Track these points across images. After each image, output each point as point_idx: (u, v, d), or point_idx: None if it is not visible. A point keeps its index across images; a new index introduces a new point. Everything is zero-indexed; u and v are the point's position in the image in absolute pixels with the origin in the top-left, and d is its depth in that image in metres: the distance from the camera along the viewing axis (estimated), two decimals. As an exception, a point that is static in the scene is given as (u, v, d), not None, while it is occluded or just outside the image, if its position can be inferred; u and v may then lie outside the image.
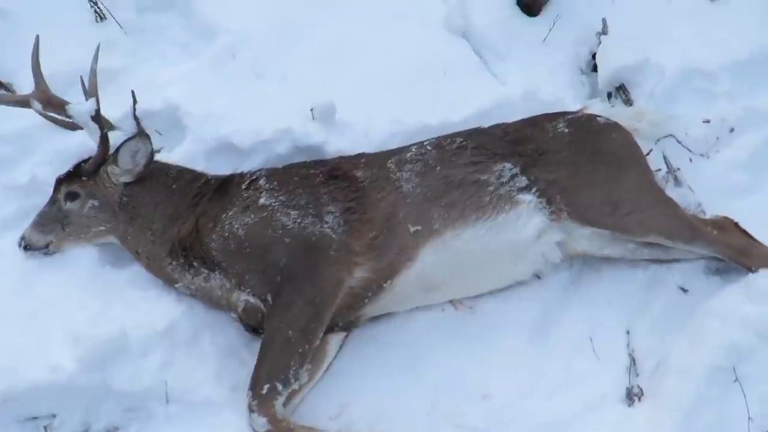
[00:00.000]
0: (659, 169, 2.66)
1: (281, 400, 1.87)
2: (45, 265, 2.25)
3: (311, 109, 2.64)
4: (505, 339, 2.28)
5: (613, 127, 2.41)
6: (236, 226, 2.06)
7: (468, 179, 2.21)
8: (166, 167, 2.33)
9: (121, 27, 3.04)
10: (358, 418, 2.04)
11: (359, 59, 2.99)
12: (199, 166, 2.56)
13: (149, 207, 2.21)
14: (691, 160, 2.77)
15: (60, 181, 2.27)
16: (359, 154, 2.43)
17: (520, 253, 2.25)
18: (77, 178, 2.24)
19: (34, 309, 2.10)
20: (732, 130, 2.84)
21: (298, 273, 1.98)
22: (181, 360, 2.05)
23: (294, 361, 1.88)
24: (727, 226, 2.33)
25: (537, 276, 2.41)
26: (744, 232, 2.35)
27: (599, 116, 2.48)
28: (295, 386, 1.92)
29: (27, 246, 2.23)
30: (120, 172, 2.22)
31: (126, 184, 2.24)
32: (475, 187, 2.20)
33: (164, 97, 2.71)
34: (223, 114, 2.69)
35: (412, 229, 2.12)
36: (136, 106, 2.63)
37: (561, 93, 2.98)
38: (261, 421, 1.83)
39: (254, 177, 2.23)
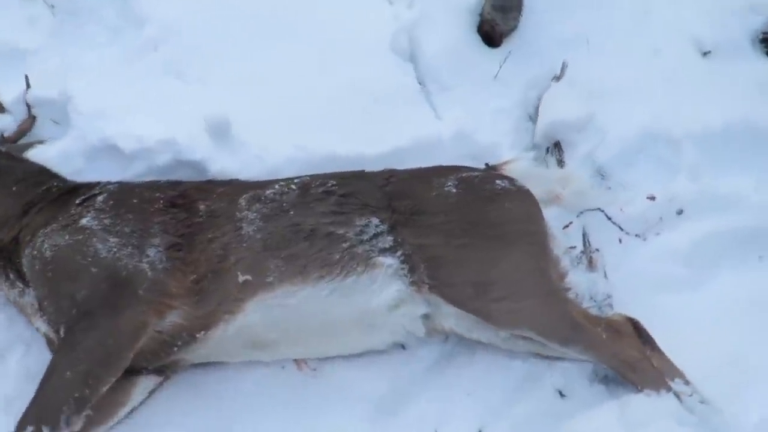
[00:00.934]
0: (573, 247, 2.32)
1: (47, 444, 1.69)
2: None
3: (204, 120, 2.44)
4: (344, 412, 2.03)
5: (513, 194, 2.10)
6: (46, 246, 1.88)
7: (320, 231, 1.96)
8: (14, 166, 2.17)
9: (49, 5, 2.91)
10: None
11: (285, 74, 2.76)
12: (77, 167, 2.43)
13: (-11, 205, 2.07)
14: (620, 241, 2.41)
15: None
16: (223, 182, 2.21)
17: (371, 323, 1.99)
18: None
19: None
20: (680, 212, 2.46)
21: (95, 309, 1.78)
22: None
23: (68, 406, 1.69)
24: (623, 330, 1.98)
25: (402, 346, 2.14)
26: (645, 339, 2.01)
27: (503, 178, 2.17)
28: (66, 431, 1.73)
29: None
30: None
31: (-30, 176, 2.11)
32: (326, 241, 1.95)
33: (62, 86, 2.57)
34: (118, 112, 2.52)
35: (241, 279, 1.89)
36: (29, 91, 2.53)
37: (498, 138, 2.67)
38: (17, 464, 1.67)
39: (96, 192, 2.05)
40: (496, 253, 1.95)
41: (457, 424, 2.00)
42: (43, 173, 2.19)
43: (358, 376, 2.09)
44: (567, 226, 2.35)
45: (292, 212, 1.98)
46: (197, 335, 1.88)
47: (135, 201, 1.99)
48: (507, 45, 2.91)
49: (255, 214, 1.97)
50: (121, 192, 2.04)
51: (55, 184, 2.13)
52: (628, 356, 1.93)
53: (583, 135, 2.52)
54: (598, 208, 2.39)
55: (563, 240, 2.31)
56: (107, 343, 1.76)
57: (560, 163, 2.49)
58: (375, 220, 2.01)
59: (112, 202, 1.98)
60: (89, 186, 2.13)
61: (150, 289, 1.83)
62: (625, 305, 2.20)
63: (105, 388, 1.77)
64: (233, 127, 2.46)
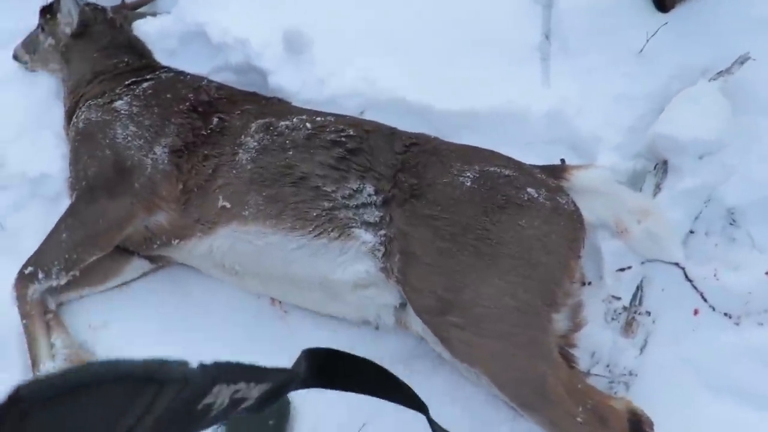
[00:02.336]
0: (618, 298, 1.81)
1: (37, 286, 1.92)
2: None
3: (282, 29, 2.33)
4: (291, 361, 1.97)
5: (540, 211, 1.67)
6: (83, 117, 2.03)
7: (309, 181, 1.80)
8: (105, 33, 2.32)
9: None
10: (116, 336, 2.04)
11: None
12: (170, 47, 2.53)
13: (74, 64, 2.30)
14: (696, 313, 1.81)
15: (41, 11, 2.46)
16: (261, 98, 2.12)
17: (334, 292, 1.84)
18: (47, 15, 2.41)
19: None
20: (809, 306, 1.75)
21: (98, 187, 1.91)
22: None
23: (59, 261, 1.91)
24: (612, 424, 1.55)
25: (375, 326, 1.97)
26: None
27: (546, 187, 1.72)
28: (54, 283, 1.95)
29: (15, 57, 2.55)
30: (62, 22, 2.31)
31: (73, 35, 2.34)
32: (311, 194, 1.79)
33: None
34: (217, 1, 2.53)
35: (220, 203, 1.85)
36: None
37: (605, 132, 2.12)
38: (14, 295, 1.96)
39: (147, 77, 2.12)
40: (478, 273, 1.60)
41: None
42: (128, 47, 2.32)
43: (321, 335, 2.00)
44: (623, 270, 1.83)
45: (291, 152, 1.84)
46: (173, 242, 1.93)
47: (167, 96, 2.03)
48: (677, 12, 2.20)
49: (256, 143, 1.88)
50: (164, 83, 2.09)
51: (128, 60, 2.25)
52: (599, 455, 1.51)
53: (705, 163, 1.85)
54: (677, 264, 1.80)
55: (610, 286, 1.82)
56: (99, 221, 1.90)
57: (656, 190, 1.90)
58: (370, 189, 1.78)
59: (150, 92, 2.04)
60: (152, 69, 2.22)
61: (144, 185, 1.90)
62: (654, 397, 1.70)
63: (92, 259, 1.94)
64: (309, 43, 2.33)
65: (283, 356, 1.93)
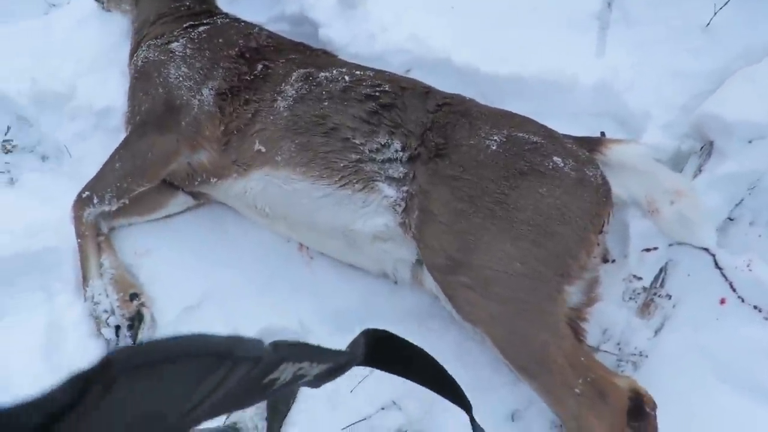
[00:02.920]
0: (639, 278, 1.76)
1: (92, 209, 2.09)
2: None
3: (338, -19, 2.35)
4: (309, 306, 2.06)
5: (563, 180, 1.64)
6: (142, 55, 2.16)
7: (340, 132, 1.85)
8: None
9: None
10: (157, 263, 2.20)
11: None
12: (233, -7, 2.63)
13: (141, 5, 2.42)
14: (723, 302, 1.74)
15: (116, -51, 2.60)
16: (308, 49, 2.16)
17: (354, 242, 1.90)
18: (122, -47, 2.54)
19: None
20: None
21: (149, 122, 2.04)
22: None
23: (111, 188, 2.07)
24: (611, 400, 1.54)
25: (394, 280, 2.02)
26: (639, 427, 1.54)
27: (575, 158, 1.68)
28: (106, 208, 2.11)
29: (92, -6, 2.72)
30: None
31: (141, -23, 2.45)
32: (340, 145, 1.84)
33: None
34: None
35: (256, 147, 1.94)
36: None
37: (655, 108, 2.03)
38: (71, 215, 2.15)
39: (204, 21, 2.21)
40: (489, 237, 1.60)
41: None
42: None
43: (341, 284, 2.08)
44: (648, 250, 1.77)
45: (326, 103, 1.89)
46: (212, 180, 2.05)
47: (219, 41, 2.11)
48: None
49: (294, 91, 1.94)
50: (218, 29, 2.18)
51: (189, 4, 2.35)
52: (591, 429, 1.51)
53: (754, 148, 1.74)
54: (707, 250, 1.72)
55: (633, 266, 1.77)
56: (146, 154, 2.04)
57: (696, 172, 1.80)
58: (397, 144, 1.81)
59: (204, 36, 2.14)
60: (211, 14, 2.31)
61: (190, 124, 2.01)
62: (662, 380, 1.66)
63: (140, 189, 2.10)
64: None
65: (303, 300, 2.07)
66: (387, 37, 2.31)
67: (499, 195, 1.63)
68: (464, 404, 1.07)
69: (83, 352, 2.01)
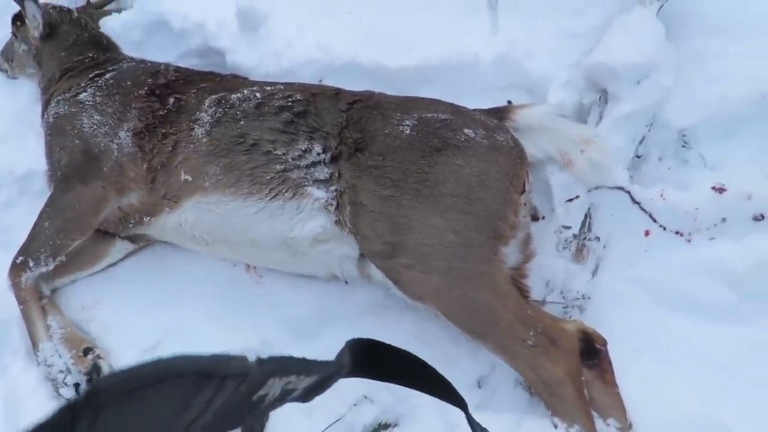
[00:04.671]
0: (568, 227, 1.86)
1: (30, 274, 2.05)
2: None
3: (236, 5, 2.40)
4: (268, 321, 2.08)
5: (477, 149, 1.73)
6: (52, 112, 2.16)
7: (261, 147, 1.89)
8: (70, 32, 2.41)
9: None
10: (107, 313, 2.17)
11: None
12: (136, 39, 2.64)
13: (45, 64, 2.42)
14: (647, 234, 1.86)
15: (13, 19, 2.59)
16: (216, 76, 2.21)
17: (296, 250, 1.94)
18: (17, 23, 2.53)
19: None
20: (760, 218, 1.77)
21: (71, 175, 2.04)
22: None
23: (45, 248, 2.04)
24: (562, 344, 1.62)
25: (344, 280, 2.06)
26: (595, 363, 1.62)
27: (484, 126, 1.78)
28: (43, 269, 2.08)
29: (-5, 67, 2.69)
30: (30, 27, 2.43)
31: (42, 38, 2.45)
32: (263, 159, 1.88)
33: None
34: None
35: (183, 177, 1.96)
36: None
37: (554, 71, 2.15)
38: (8, 283, 2.10)
39: (109, 69, 2.23)
40: (421, 214, 1.67)
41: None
42: (93, 43, 2.43)
43: (294, 294, 2.10)
44: (571, 200, 1.88)
45: (242, 122, 1.93)
46: (145, 219, 2.05)
47: (128, 83, 2.14)
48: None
49: (209, 117, 1.98)
50: (124, 72, 2.20)
51: (93, 55, 2.36)
52: (549, 375, 1.59)
53: (642, 87, 1.87)
54: (622, 189, 1.84)
55: (561, 217, 1.87)
56: (76, 206, 2.03)
57: (598, 120, 1.93)
58: (318, 148, 1.86)
59: (111, 81, 2.15)
60: (116, 61, 2.33)
61: (113, 169, 2.02)
62: (608, 317, 1.76)
63: (75, 243, 2.08)
64: (262, 19, 2.41)
65: (259, 317, 2.09)
66: (293, 52, 2.37)
67: (420, 174, 1.70)
68: (459, 402, 1.06)
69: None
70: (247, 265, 2.18)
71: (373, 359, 0.99)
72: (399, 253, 1.69)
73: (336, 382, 0.93)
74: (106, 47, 2.47)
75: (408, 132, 1.77)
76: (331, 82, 2.29)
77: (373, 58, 2.32)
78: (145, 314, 2.16)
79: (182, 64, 2.44)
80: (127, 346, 2.09)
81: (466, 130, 1.75)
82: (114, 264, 2.27)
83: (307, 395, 0.90)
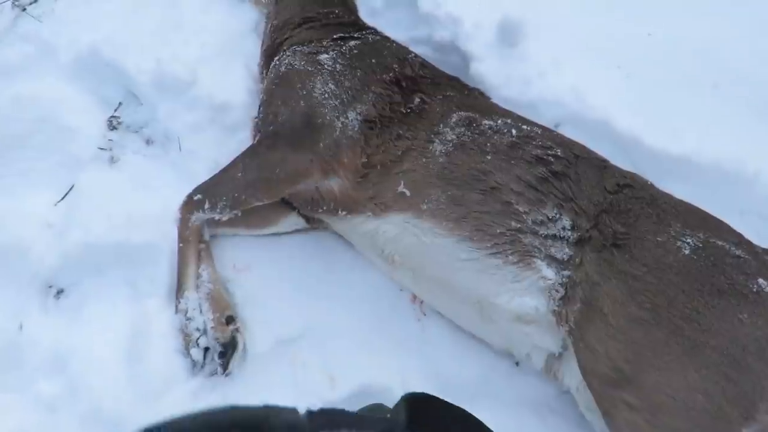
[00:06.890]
0: None
1: (201, 214, 1.91)
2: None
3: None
4: (404, 365, 1.87)
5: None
6: (286, 61, 1.97)
7: (501, 195, 1.64)
8: None
9: None
10: (254, 282, 2.02)
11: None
12: (375, 7, 2.46)
13: (284, 3, 2.24)
14: None
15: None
16: (464, 87, 1.97)
17: (489, 316, 1.70)
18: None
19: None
20: None
21: (283, 135, 1.86)
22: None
23: (227, 197, 1.88)
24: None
25: (516, 363, 1.82)
26: None
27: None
28: (216, 216, 1.94)
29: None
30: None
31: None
32: (500, 208, 1.63)
33: None
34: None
35: (400, 189, 1.74)
36: None
37: None
38: (177, 216, 1.98)
39: (355, 36, 2.03)
40: (673, 357, 1.38)
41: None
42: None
43: (454, 350, 1.88)
44: None
45: (489, 156, 1.69)
46: (339, 211, 1.86)
47: (372, 61, 1.93)
48: None
49: (454, 136, 1.74)
50: (370, 47, 1.99)
51: (338, 12, 2.17)
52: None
53: None
54: None
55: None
56: (275, 169, 1.86)
57: None
58: (566, 221, 1.60)
59: (356, 52, 1.95)
60: (360, 27, 2.13)
61: (328, 147, 1.83)
62: None
63: (258, 203, 1.92)
64: (524, 37, 2.17)
65: (408, 356, 1.88)
66: (543, 85, 2.11)
67: (690, 311, 1.40)
68: None
69: (167, 368, 1.86)
70: (413, 295, 1.96)
71: (429, 415, 0.97)
72: (627, 388, 1.41)
73: None
74: (351, 8, 2.28)
75: (687, 252, 1.47)
76: (569, 132, 1.99)
77: (629, 127, 2.03)
78: (292, 301, 1.99)
79: (413, 50, 2.22)
80: (264, 330, 1.94)
81: (760, 280, 1.44)
82: (279, 234, 2.11)
83: None
